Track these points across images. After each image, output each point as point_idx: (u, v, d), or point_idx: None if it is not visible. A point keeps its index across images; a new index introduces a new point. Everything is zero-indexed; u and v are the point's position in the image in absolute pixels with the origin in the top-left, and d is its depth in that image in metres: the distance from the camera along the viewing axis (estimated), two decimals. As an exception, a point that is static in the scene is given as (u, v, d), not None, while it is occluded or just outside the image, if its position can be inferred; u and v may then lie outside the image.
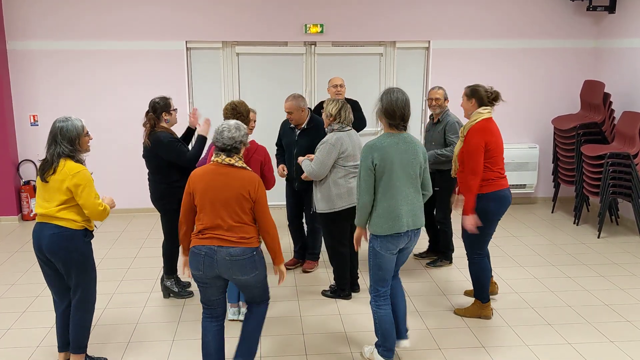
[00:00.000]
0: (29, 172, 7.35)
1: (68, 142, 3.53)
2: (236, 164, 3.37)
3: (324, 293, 5.04)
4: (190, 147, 4.90)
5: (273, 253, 3.50)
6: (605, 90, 6.92)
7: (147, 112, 4.69)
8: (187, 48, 7.30)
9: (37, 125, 7.24)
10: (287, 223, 5.65)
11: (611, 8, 7.20)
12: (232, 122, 3.44)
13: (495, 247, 6.19)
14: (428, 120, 5.75)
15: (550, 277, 5.38)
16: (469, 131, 4.30)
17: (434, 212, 5.63)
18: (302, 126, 5.24)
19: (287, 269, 5.48)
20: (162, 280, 4.99)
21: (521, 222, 7.11)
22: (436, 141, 5.39)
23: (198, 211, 3.41)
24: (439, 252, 5.74)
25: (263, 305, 3.63)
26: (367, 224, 3.75)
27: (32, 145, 7.29)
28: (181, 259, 3.64)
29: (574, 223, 7.01)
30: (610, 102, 6.87)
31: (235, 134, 3.37)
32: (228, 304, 4.58)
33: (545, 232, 6.72)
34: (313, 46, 7.46)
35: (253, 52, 7.39)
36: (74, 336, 3.71)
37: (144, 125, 4.69)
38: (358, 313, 4.68)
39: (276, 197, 7.04)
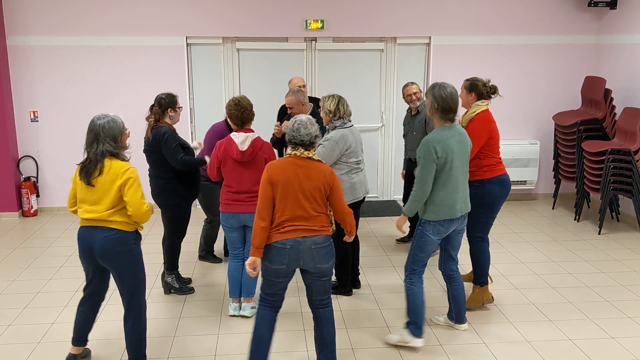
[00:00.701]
0: (29, 168, 7.35)
1: (112, 139, 3.39)
2: (313, 157, 3.47)
3: None
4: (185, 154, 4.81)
5: (351, 228, 3.69)
6: (606, 87, 6.91)
7: (152, 107, 4.66)
8: (187, 44, 7.28)
9: (37, 121, 7.24)
10: None
11: (612, 4, 7.18)
12: (304, 117, 3.50)
13: (496, 243, 6.19)
14: (406, 113, 6.00)
15: (551, 274, 5.39)
16: (474, 122, 4.45)
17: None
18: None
19: None
20: (163, 276, 4.99)
21: (522, 219, 7.11)
22: (417, 130, 5.69)
23: (278, 202, 3.42)
24: None
25: (329, 307, 3.63)
26: (421, 211, 3.96)
27: (32, 141, 7.29)
28: (252, 258, 3.42)
29: (575, 219, 7.01)
30: (611, 98, 6.86)
31: (311, 130, 3.45)
32: (230, 299, 4.59)
33: (546, 229, 6.72)
34: (314, 42, 7.44)
35: (253, 48, 7.38)
36: (134, 347, 3.60)
37: (147, 119, 4.67)
38: (359, 309, 4.68)
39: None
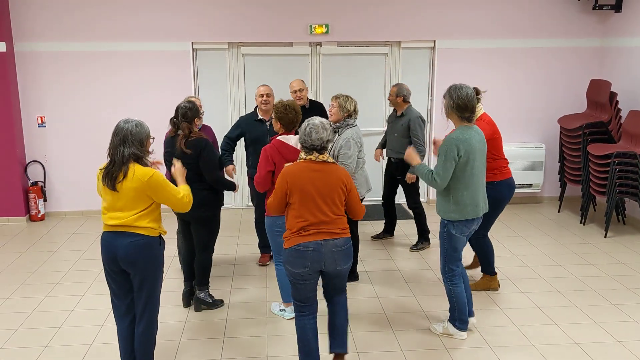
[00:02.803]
0: (36, 173, 7.40)
1: (139, 143, 3.32)
2: (328, 160, 3.51)
3: None
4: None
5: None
6: (611, 89, 6.90)
7: (173, 119, 4.46)
8: (193, 49, 7.32)
9: (45, 126, 7.29)
10: (254, 221, 5.75)
11: (617, 7, 7.18)
12: (317, 121, 3.52)
13: (502, 246, 6.18)
14: (391, 112, 6.14)
15: (557, 277, 5.38)
16: (479, 124, 4.58)
17: (404, 197, 6.17)
18: (271, 116, 5.36)
19: (266, 265, 5.72)
20: (189, 293, 4.81)
21: (527, 222, 7.10)
22: (399, 133, 5.87)
23: (297, 208, 3.44)
24: (418, 235, 6.18)
25: (344, 294, 3.74)
26: (444, 212, 4.04)
27: (40, 147, 7.34)
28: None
29: (581, 222, 6.99)
30: (617, 101, 6.85)
31: (322, 135, 3.47)
32: (283, 304, 4.63)
33: (552, 232, 6.71)
34: (318, 47, 7.47)
35: (259, 53, 7.41)
36: (143, 352, 3.55)
37: (170, 132, 4.50)
38: (363, 312, 4.68)
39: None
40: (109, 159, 3.34)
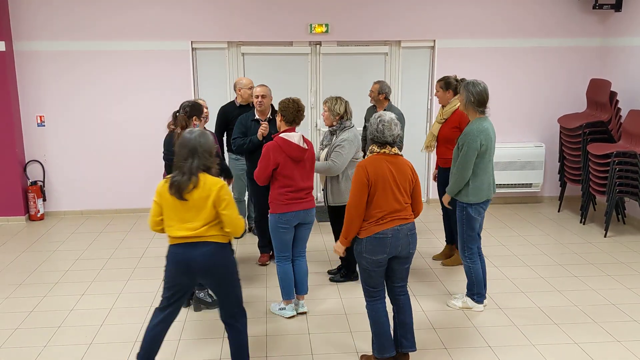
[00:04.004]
0: (35, 173, 7.39)
1: (208, 153, 3.33)
2: (399, 153, 3.68)
3: (332, 279, 5.28)
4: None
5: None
6: (611, 89, 6.89)
7: (176, 113, 4.50)
8: (192, 48, 7.31)
9: (44, 126, 7.28)
10: (254, 219, 5.73)
11: (617, 6, 7.17)
12: (388, 117, 3.63)
13: (502, 246, 6.18)
14: (371, 109, 6.13)
15: (557, 277, 5.37)
16: (460, 115, 5.09)
17: None
18: (268, 116, 5.43)
19: (265, 265, 5.72)
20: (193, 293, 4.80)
21: (527, 221, 7.09)
22: None
23: (376, 199, 3.56)
24: None
25: (407, 295, 3.84)
26: (464, 196, 4.40)
27: (39, 146, 7.33)
28: (342, 246, 3.73)
29: (581, 222, 6.99)
30: (617, 101, 6.84)
31: (394, 132, 3.62)
32: (283, 301, 4.63)
33: (552, 231, 6.70)
34: (318, 46, 7.46)
35: (258, 52, 7.40)
36: (240, 353, 3.57)
37: (169, 126, 4.52)
38: (364, 312, 4.68)
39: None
40: (176, 170, 3.32)
